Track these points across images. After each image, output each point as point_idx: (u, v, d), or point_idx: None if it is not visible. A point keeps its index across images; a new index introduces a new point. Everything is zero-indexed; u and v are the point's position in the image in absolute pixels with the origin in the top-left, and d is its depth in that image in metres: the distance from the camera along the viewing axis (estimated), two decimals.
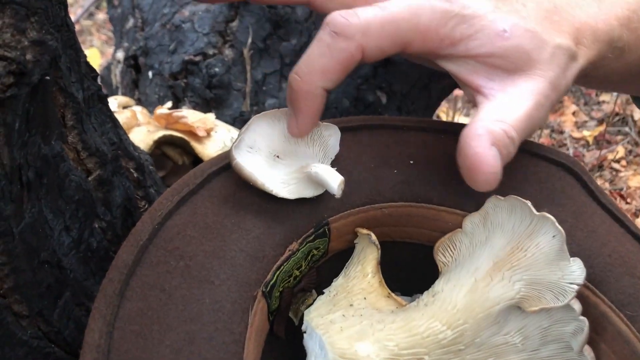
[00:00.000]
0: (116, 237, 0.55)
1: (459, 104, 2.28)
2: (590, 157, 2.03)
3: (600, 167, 1.94)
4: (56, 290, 0.46)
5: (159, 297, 0.41)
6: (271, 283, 0.46)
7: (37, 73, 0.37)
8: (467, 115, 2.36)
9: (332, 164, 0.50)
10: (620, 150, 2.02)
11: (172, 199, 0.46)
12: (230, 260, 0.44)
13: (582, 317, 0.48)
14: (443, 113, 2.18)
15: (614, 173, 1.87)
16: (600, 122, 2.28)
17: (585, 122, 2.31)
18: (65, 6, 0.44)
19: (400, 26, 0.47)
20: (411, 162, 0.53)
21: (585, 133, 2.22)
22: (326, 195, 0.49)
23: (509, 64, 0.49)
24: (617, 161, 1.95)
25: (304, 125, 0.48)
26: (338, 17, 0.46)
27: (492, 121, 0.47)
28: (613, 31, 0.53)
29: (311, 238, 0.49)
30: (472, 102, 0.52)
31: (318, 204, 0.49)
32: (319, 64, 0.45)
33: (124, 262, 0.41)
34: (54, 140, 0.45)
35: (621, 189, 1.65)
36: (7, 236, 0.39)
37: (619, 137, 2.16)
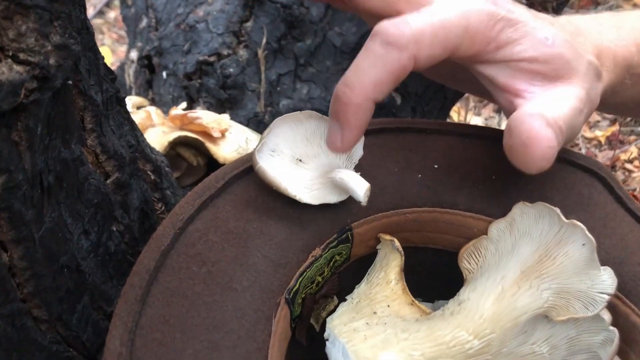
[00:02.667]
0: (134, 240, 0.55)
1: (471, 104, 2.27)
2: (602, 157, 2.01)
3: (613, 167, 1.93)
4: (75, 295, 0.45)
5: (181, 303, 0.40)
6: (294, 289, 0.45)
7: (60, 77, 0.36)
8: (478, 114, 2.34)
9: (355, 169, 0.50)
10: (634, 151, 2.00)
11: (194, 203, 0.45)
12: (253, 267, 0.43)
13: (611, 328, 0.47)
14: (454, 112, 2.16)
15: (627, 174, 1.85)
16: (613, 122, 2.26)
17: (598, 122, 2.30)
18: (84, 9, 0.44)
19: (451, 32, 0.45)
20: (435, 166, 0.52)
21: (598, 133, 2.21)
22: (349, 200, 0.48)
23: (550, 71, 0.48)
24: (630, 161, 1.93)
25: (349, 141, 0.46)
26: (390, 27, 0.43)
27: (541, 110, 0.46)
28: (632, 57, 0.54)
29: (334, 244, 0.48)
30: (505, 110, 0.51)
31: (341, 209, 0.49)
32: (370, 76, 0.44)
33: (145, 268, 0.41)
34: (74, 144, 0.45)
35: (634, 190, 1.64)
36: (28, 241, 0.38)
37: (632, 137, 2.14)
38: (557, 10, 0.81)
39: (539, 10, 0.52)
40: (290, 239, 0.46)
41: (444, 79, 0.62)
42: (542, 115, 0.45)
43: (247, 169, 0.48)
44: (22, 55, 0.33)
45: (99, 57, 0.49)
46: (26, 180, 0.36)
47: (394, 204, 0.50)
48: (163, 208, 0.68)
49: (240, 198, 0.46)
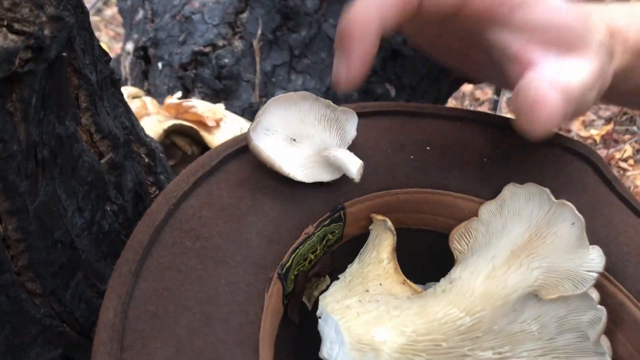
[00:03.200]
0: (127, 221, 0.55)
1: (467, 101, 2.28)
2: None
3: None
4: (69, 271, 0.45)
5: (174, 277, 0.40)
6: (287, 265, 0.45)
7: (55, 49, 0.37)
8: None
9: (349, 149, 0.50)
10: (628, 149, 2.00)
11: (188, 180, 0.45)
12: (246, 242, 0.43)
13: (600, 307, 0.47)
14: None
15: (622, 172, 1.86)
16: (608, 121, 2.27)
17: (593, 120, 2.30)
18: None
19: None
20: (427, 148, 0.53)
21: (593, 132, 2.21)
22: (342, 179, 0.49)
23: (564, 41, 0.47)
24: (625, 160, 1.93)
25: (355, 70, 0.44)
26: None
27: (552, 76, 0.44)
28: None
29: (327, 222, 0.48)
30: (509, 83, 0.50)
31: (334, 188, 0.49)
32: (375, 3, 0.43)
33: (139, 242, 0.41)
34: (68, 121, 0.45)
35: (629, 188, 1.65)
36: (22, 213, 0.38)
37: (627, 136, 2.15)
38: None
39: None
40: (283, 216, 0.46)
41: (448, 52, 0.58)
42: (552, 80, 0.44)
43: (241, 148, 0.48)
44: (16, 25, 0.33)
45: (93, 38, 0.49)
46: (20, 151, 0.36)
47: (386, 185, 0.51)
48: (157, 192, 0.68)
49: (234, 176, 0.47)
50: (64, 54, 0.40)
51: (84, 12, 0.47)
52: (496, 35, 0.48)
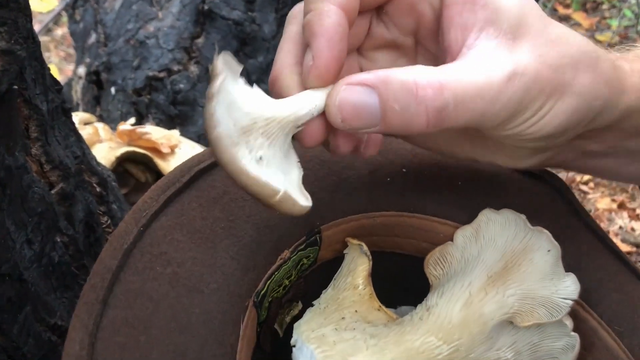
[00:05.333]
0: (78, 253, 0.54)
1: None
2: None
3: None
4: (16, 305, 0.43)
5: (145, 305, 0.37)
6: (262, 292, 0.43)
7: (5, 82, 0.35)
8: None
9: (324, 169, 0.48)
10: None
11: (158, 198, 0.42)
12: (221, 269, 0.41)
13: (573, 333, 0.47)
14: None
15: (582, 195, 1.87)
16: None
17: None
18: (30, 18, 0.42)
19: None
20: (404, 170, 0.51)
21: None
22: (318, 202, 0.46)
23: (511, 25, 0.39)
24: (585, 183, 1.94)
25: (319, 58, 0.37)
26: None
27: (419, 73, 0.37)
28: None
29: (303, 246, 0.46)
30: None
31: (310, 210, 0.46)
32: None
33: (106, 267, 0.38)
34: (18, 152, 0.43)
35: (589, 211, 1.67)
36: None
37: None
38: None
39: None
40: (258, 241, 0.43)
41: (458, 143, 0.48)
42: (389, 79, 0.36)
43: (213, 163, 0.45)
44: None
45: (44, 67, 0.48)
46: None
47: (363, 207, 0.49)
48: (109, 222, 0.67)
49: (206, 194, 0.44)
50: (15, 86, 0.38)
51: (35, 42, 0.46)
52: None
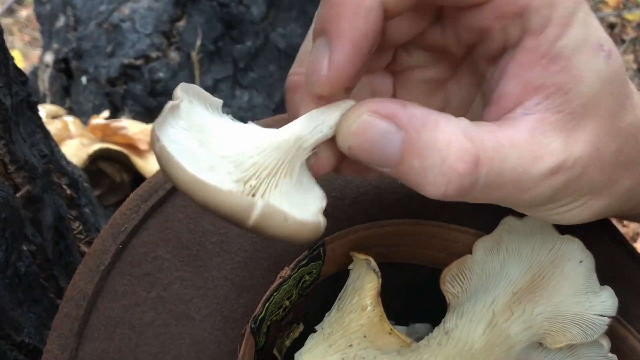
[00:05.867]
0: (47, 262, 0.54)
1: None
2: None
3: None
4: None
5: (127, 336, 0.36)
6: (260, 317, 0.41)
7: None
8: None
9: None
10: None
11: (138, 209, 0.41)
12: (213, 291, 0.39)
13: (611, 355, 0.45)
14: None
15: None
16: None
17: None
18: None
19: None
20: None
21: None
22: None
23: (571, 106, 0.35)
24: None
25: (339, 64, 0.32)
26: None
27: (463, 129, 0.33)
28: None
29: (304, 262, 0.44)
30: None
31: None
32: None
33: (81, 293, 0.36)
34: None
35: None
36: None
37: None
38: None
39: None
40: (255, 257, 0.42)
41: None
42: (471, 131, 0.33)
43: None
44: None
45: (7, 56, 0.48)
46: None
47: (371, 216, 0.47)
48: (81, 227, 0.67)
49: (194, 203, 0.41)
50: None
51: None
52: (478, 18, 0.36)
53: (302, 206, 0.32)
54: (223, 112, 0.35)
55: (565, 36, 0.34)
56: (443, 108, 0.41)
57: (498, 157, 0.33)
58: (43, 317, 0.56)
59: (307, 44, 0.36)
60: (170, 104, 0.31)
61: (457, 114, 0.37)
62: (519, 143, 0.34)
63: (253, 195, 0.30)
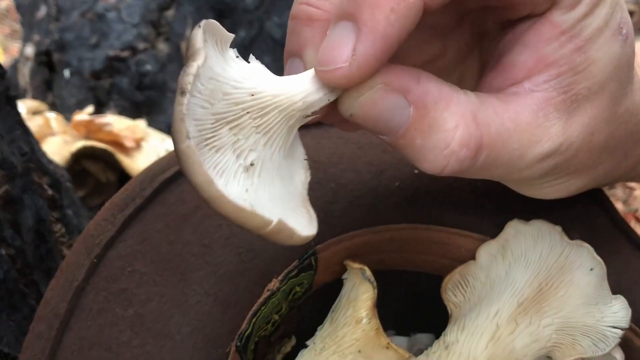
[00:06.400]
0: (27, 267, 0.54)
1: None
2: None
3: (612, 185, 1.93)
4: None
5: (103, 357, 0.36)
6: (246, 334, 0.41)
7: None
8: None
9: (319, 172, 0.46)
10: None
11: (114, 219, 0.41)
12: (195, 307, 0.39)
13: None
14: None
15: (628, 192, 1.86)
16: None
17: None
18: None
19: None
20: (416, 171, 0.49)
21: None
22: None
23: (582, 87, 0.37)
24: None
25: (366, 56, 0.31)
26: None
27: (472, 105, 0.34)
28: None
29: (294, 273, 0.44)
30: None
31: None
32: None
33: (54, 311, 0.36)
34: None
35: (636, 210, 1.65)
36: None
37: None
38: None
39: None
40: (240, 269, 0.42)
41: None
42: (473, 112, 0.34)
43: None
44: None
45: None
46: None
47: (367, 220, 0.47)
48: (63, 230, 0.67)
49: (174, 211, 0.42)
50: None
51: None
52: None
53: (289, 181, 0.33)
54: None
55: (591, 15, 0.35)
56: (437, 58, 0.42)
57: (500, 141, 0.35)
58: (23, 325, 0.56)
59: None
60: (195, 65, 0.29)
61: (450, 66, 0.42)
62: (521, 126, 0.35)
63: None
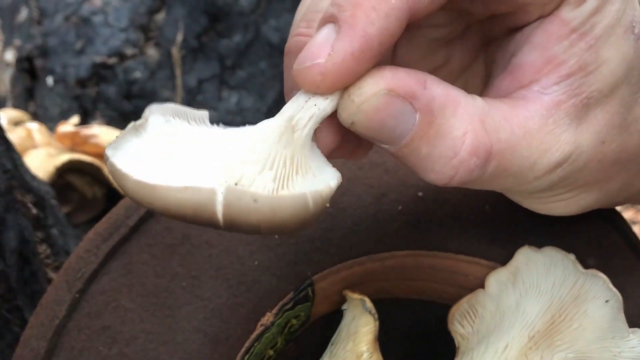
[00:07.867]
0: (10, 292, 0.54)
1: None
2: None
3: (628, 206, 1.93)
4: None
5: None
6: None
7: None
8: None
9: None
10: None
11: (97, 250, 0.41)
12: (183, 345, 0.40)
13: None
14: None
15: None
16: None
17: None
18: None
19: None
20: (420, 194, 0.49)
21: None
22: (309, 242, 0.46)
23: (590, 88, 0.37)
24: None
25: (342, 55, 0.31)
26: None
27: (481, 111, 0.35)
28: None
29: (289, 305, 0.45)
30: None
31: (298, 255, 0.45)
32: None
33: (33, 352, 0.36)
34: None
35: None
36: None
37: None
38: None
39: None
40: (231, 303, 0.42)
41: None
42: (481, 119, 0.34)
43: None
44: None
45: None
46: None
47: (367, 247, 0.47)
48: (48, 251, 0.67)
49: (161, 241, 0.43)
50: None
51: None
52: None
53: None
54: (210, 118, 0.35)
55: (602, 11, 0.36)
56: (442, 66, 0.42)
57: (509, 149, 0.35)
58: (6, 353, 0.57)
59: None
60: (132, 123, 0.31)
61: (455, 74, 0.42)
62: (531, 133, 0.36)
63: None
